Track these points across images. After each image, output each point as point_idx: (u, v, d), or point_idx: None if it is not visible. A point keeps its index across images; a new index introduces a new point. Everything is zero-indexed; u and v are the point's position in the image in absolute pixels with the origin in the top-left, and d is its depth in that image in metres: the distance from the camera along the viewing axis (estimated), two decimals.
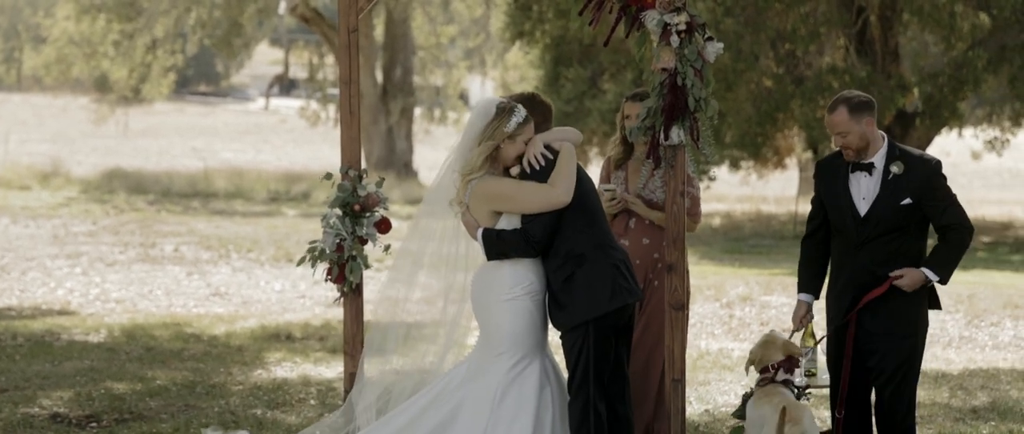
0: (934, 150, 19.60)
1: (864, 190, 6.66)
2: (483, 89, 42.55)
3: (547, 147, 6.35)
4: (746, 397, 6.74)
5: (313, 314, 13.88)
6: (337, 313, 13.06)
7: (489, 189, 6.30)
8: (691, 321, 12.71)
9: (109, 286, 15.69)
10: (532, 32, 25.75)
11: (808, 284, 6.87)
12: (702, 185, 20.57)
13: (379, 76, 35.12)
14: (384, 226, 7.04)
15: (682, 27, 6.39)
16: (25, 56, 41.31)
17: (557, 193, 6.19)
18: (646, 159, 6.86)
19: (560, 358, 6.44)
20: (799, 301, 6.89)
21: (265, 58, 59.21)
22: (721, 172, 28.35)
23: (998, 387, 9.90)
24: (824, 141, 22.99)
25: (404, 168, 34.23)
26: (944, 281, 6.64)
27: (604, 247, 6.27)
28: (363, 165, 7.15)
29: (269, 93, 58.45)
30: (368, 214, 7.01)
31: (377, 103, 34.18)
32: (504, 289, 6.29)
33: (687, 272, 7.07)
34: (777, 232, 25.94)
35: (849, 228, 6.66)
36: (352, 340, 7.09)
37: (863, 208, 6.65)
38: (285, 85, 58.23)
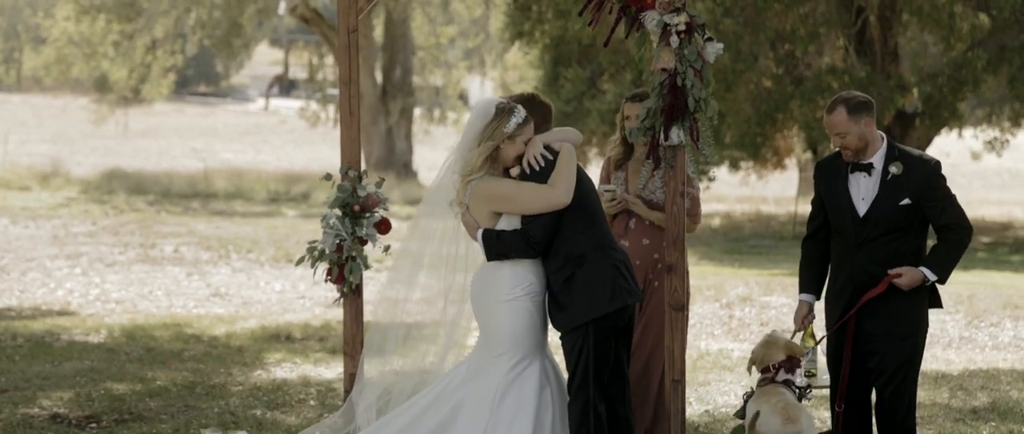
0: (934, 151, 19.60)
1: (863, 190, 6.67)
2: (482, 89, 42.55)
3: (547, 148, 6.35)
4: (747, 397, 6.74)
5: (313, 315, 13.88)
6: (337, 314, 13.06)
7: (489, 190, 6.30)
8: (691, 322, 12.71)
9: (109, 287, 15.69)
10: (531, 32, 25.75)
11: (809, 284, 6.87)
12: (702, 185, 20.58)
13: (379, 76, 35.12)
14: (384, 227, 7.04)
15: (682, 27, 6.39)
16: (25, 56, 41.32)
17: (557, 194, 6.19)
18: (646, 160, 6.86)
19: (560, 359, 6.44)
20: (801, 301, 6.89)
21: (265, 58, 59.22)
22: (721, 173, 28.36)
23: (998, 388, 9.90)
24: (823, 141, 22.99)
25: (404, 169, 34.24)
26: (942, 281, 6.64)
27: (604, 248, 6.27)
28: (363, 166, 7.16)
29: (269, 94, 58.46)
30: (368, 215, 7.01)
31: (377, 103, 34.18)
32: (504, 290, 6.29)
33: (687, 273, 7.07)
34: (777, 232, 25.94)
35: (848, 228, 6.66)
36: (352, 341, 7.09)
37: (862, 208, 6.65)
38: (285, 86, 58.25)
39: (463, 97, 41.85)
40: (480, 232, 6.31)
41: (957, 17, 21.60)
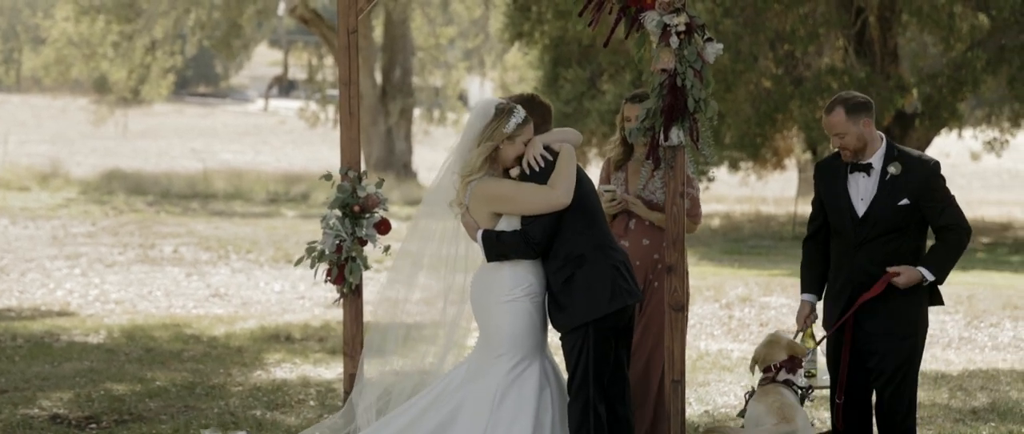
0: (933, 151, 19.60)
1: (862, 191, 6.67)
2: (482, 90, 42.56)
3: (546, 148, 6.35)
4: (748, 396, 6.75)
5: (312, 315, 13.88)
6: (336, 314, 13.06)
7: (489, 190, 6.30)
8: (690, 322, 12.72)
9: (108, 287, 15.69)
10: (531, 33, 25.75)
11: (811, 285, 6.88)
12: (701, 186, 20.60)
13: (378, 77, 35.12)
14: (384, 227, 7.04)
15: (681, 28, 6.39)
16: (24, 57, 41.31)
17: (557, 195, 6.19)
18: (646, 160, 6.86)
19: (560, 359, 6.44)
20: (803, 301, 6.89)
21: (264, 59, 59.22)
22: (720, 173, 28.36)
23: (998, 388, 9.90)
24: (823, 142, 22.99)
25: (403, 169, 34.23)
26: (940, 281, 6.65)
27: (604, 248, 6.27)
28: (362, 166, 7.15)
29: (268, 94, 58.45)
30: (368, 215, 7.01)
31: (376, 104, 34.18)
32: (504, 291, 6.29)
33: (686, 273, 7.06)
34: (776, 233, 25.95)
35: (847, 229, 6.67)
36: (352, 341, 7.09)
37: (861, 209, 6.65)
38: (284, 86, 58.25)
39: (463, 98, 41.85)
40: (480, 233, 6.31)
41: (956, 17, 21.61)
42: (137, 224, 23.36)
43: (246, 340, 12.07)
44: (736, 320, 13.74)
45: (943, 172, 6.71)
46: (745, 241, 24.52)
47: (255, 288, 15.96)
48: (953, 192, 6.78)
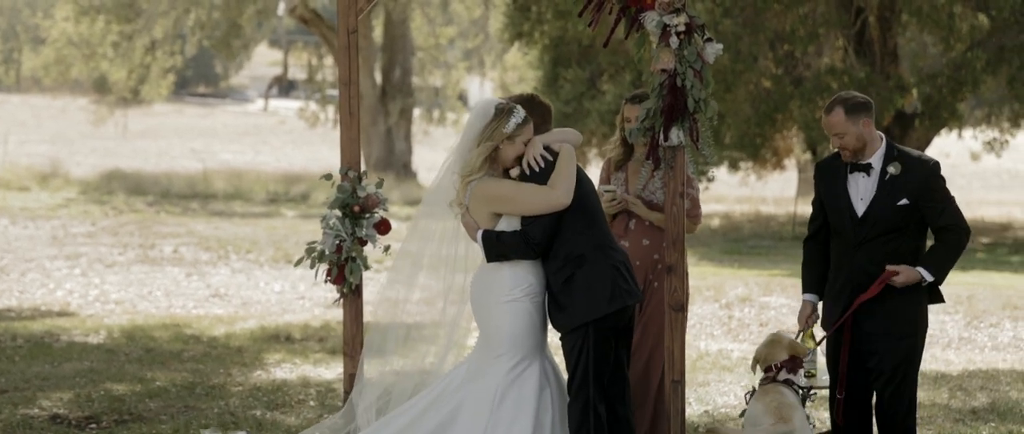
0: (933, 151, 19.61)
1: (862, 191, 6.67)
2: (482, 90, 42.56)
3: (546, 149, 6.35)
4: (749, 396, 6.76)
5: (312, 315, 13.89)
6: (336, 314, 13.07)
7: (489, 191, 6.30)
8: (690, 322, 12.73)
9: (108, 287, 15.69)
10: (531, 33, 25.75)
11: (812, 285, 6.88)
12: (701, 186, 20.59)
13: (378, 77, 35.13)
14: (384, 227, 7.04)
15: (681, 28, 6.39)
16: (24, 57, 41.30)
17: (557, 195, 6.19)
18: (646, 160, 6.86)
19: (560, 359, 6.44)
20: (804, 301, 6.90)
21: (264, 59, 59.21)
22: (720, 173, 28.36)
23: (997, 388, 9.90)
24: (823, 142, 22.99)
25: (403, 169, 34.24)
26: (939, 282, 6.65)
27: (604, 248, 6.27)
28: (362, 166, 7.15)
29: (268, 94, 58.45)
30: (368, 215, 7.01)
31: (376, 104, 34.18)
32: (504, 291, 6.29)
33: (686, 273, 7.07)
34: (776, 233, 25.95)
35: (847, 229, 6.67)
36: (352, 341, 7.09)
37: (861, 209, 6.65)
38: (284, 86, 58.24)
39: (462, 98, 41.85)
40: (480, 233, 6.31)
41: (956, 17, 21.61)
42: (137, 224, 23.36)
43: (246, 340, 12.07)
44: (736, 320, 13.74)
45: (943, 172, 6.71)
46: (745, 241, 24.52)
47: (255, 288, 15.96)
48: (953, 192, 6.78)
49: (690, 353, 10.50)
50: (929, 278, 6.59)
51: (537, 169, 6.28)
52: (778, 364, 6.66)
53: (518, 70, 34.80)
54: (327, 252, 7.00)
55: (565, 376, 6.41)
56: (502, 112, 6.30)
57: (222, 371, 10.36)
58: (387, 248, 6.98)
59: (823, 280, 6.87)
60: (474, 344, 6.54)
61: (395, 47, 35.53)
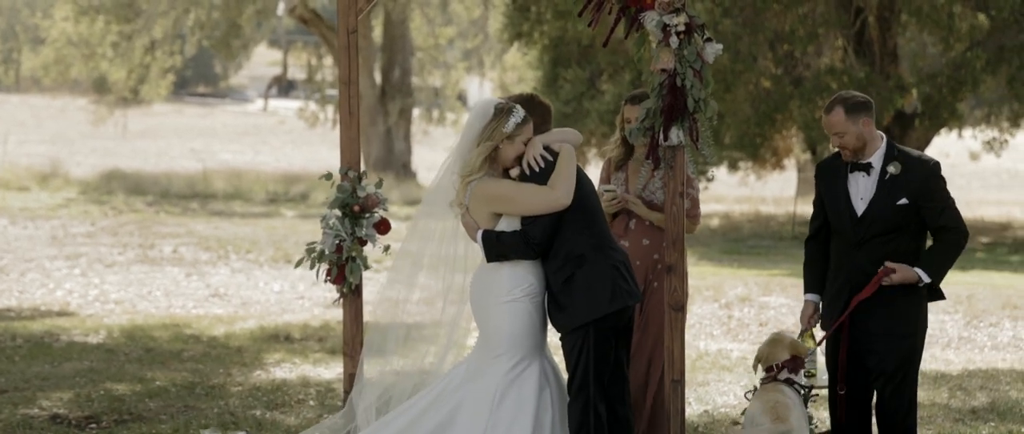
0: (933, 151, 19.60)
1: (862, 190, 6.67)
2: (481, 90, 42.58)
3: (546, 149, 6.35)
4: (750, 395, 6.77)
5: (312, 315, 13.89)
6: (336, 314, 13.06)
7: (489, 191, 6.30)
8: (690, 322, 12.73)
9: (108, 287, 15.69)
10: (530, 33, 25.75)
11: (814, 284, 6.88)
12: (701, 185, 20.58)
13: (378, 77, 35.13)
14: (383, 227, 7.04)
15: (681, 28, 6.39)
16: (24, 57, 41.30)
17: (557, 195, 6.19)
18: (645, 160, 6.86)
19: (560, 359, 6.44)
20: (806, 301, 6.90)
21: (263, 59, 59.19)
22: (719, 173, 28.35)
23: (997, 388, 9.91)
24: (822, 142, 23.00)
25: (402, 169, 34.24)
26: (935, 283, 6.65)
27: (604, 248, 6.27)
28: (362, 166, 7.16)
29: (268, 94, 58.44)
30: (367, 215, 7.01)
31: (375, 104, 34.19)
32: (503, 291, 6.29)
33: (686, 273, 7.07)
34: (776, 233, 25.95)
35: (846, 228, 6.67)
36: (351, 341, 7.09)
37: (860, 208, 6.66)
38: (284, 86, 58.23)
39: (462, 98, 41.87)
40: (480, 233, 6.31)
41: (956, 17, 21.61)
42: (137, 224, 23.36)
43: (246, 340, 12.07)
44: (735, 320, 13.75)
45: (943, 172, 6.71)
46: (744, 241, 24.52)
47: (255, 288, 15.96)
48: (953, 192, 6.78)
49: (690, 353, 10.50)
50: (925, 279, 6.59)
51: (537, 169, 6.28)
52: (779, 364, 6.66)
53: (517, 70, 34.81)
54: (327, 252, 7.00)
55: (565, 376, 6.41)
56: (501, 112, 6.30)
57: (222, 371, 10.36)
58: (387, 248, 6.98)
59: (825, 280, 6.87)
60: (474, 344, 6.54)
61: (395, 47, 35.53)
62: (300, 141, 46.32)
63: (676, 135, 6.46)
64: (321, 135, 42.82)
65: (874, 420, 6.85)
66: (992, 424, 8.57)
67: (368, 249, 7.05)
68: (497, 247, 6.26)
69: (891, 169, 6.62)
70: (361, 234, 6.98)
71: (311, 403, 9.12)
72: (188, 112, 55.64)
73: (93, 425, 8.34)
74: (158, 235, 21.42)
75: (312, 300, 14.97)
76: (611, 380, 6.31)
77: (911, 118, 23.41)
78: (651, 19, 6.43)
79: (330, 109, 37.39)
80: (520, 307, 6.28)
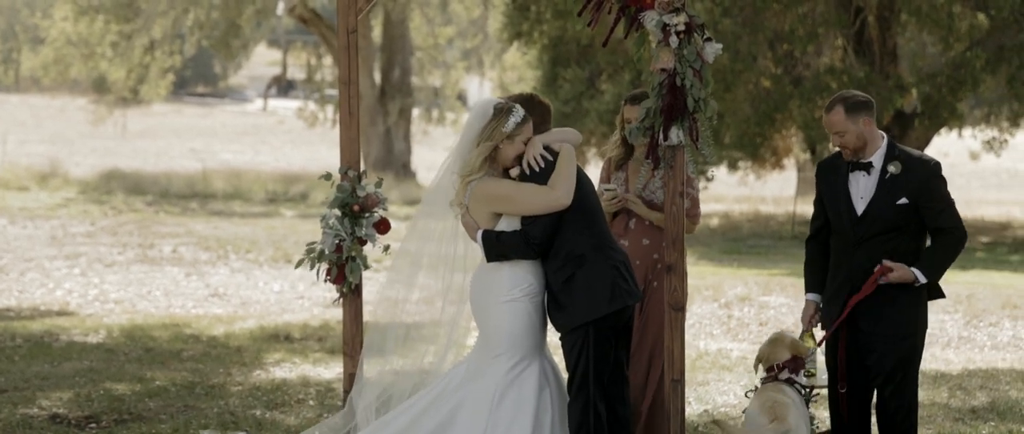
0: (932, 150, 19.61)
1: (862, 189, 6.67)
2: (481, 90, 42.59)
3: (546, 148, 6.34)
4: (751, 395, 6.77)
5: (312, 315, 13.88)
6: (336, 314, 13.06)
7: (489, 191, 6.30)
8: (690, 322, 12.73)
9: (108, 287, 15.69)
10: (530, 33, 25.75)
11: (815, 284, 6.88)
12: (700, 185, 20.56)
13: (377, 77, 35.13)
14: (383, 227, 7.04)
15: (681, 28, 6.38)
16: (23, 57, 41.30)
17: (557, 195, 6.19)
18: (645, 159, 6.86)
19: (559, 359, 6.44)
20: (807, 301, 6.90)
21: (263, 59, 59.20)
22: (719, 173, 28.34)
23: (997, 387, 9.90)
24: (822, 141, 23.00)
25: (402, 169, 34.24)
26: (932, 283, 6.64)
27: (604, 248, 6.27)
28: (361, 166, 7.16)
29: (267, 94, 58.44)
30: (367, 215, 7.01)
31: (375, 104, 34.19)
32: (503, 291, 6.29)
33: (685, 273, 7.06)
34: (775, 232, 25.94)
35: (846, 227, 6.67)
36: (351, 341, 7.09)
37: (860, 207, 6.66)
38: (283, 86, 58.22)
39: (462, 97, 41.87)
40: (480, 233, 6.31)
41: (956, 17, 21.60)
42: (136, 224, 23.35)
43: (245, 340, 12.07)
44: (735, 319, 13.74)
45: (943, 172, 6.70)
46: (744, 241, 24.52)
47: (254, 288, 15.96)
48: (952, 191, 6.78)
49: (689, 352, 10.50)
50: (922, 279, 6.59)
51: (537, 169, 6.28)
52: (780, 364, 6.66)
53: (517, 70, 34.81)
54: (327, 251, 6.99)
55: (565, 376, 6.40)
56: (501, 112, 6.29)
57: (221, 371, 10.36)
58: (387, 248, 6.98)
59: (825, 279, 6.86)
60: (473, 344, 6.54)
61: (394, 47, 35.53)
62: (299, 141, 46.32)
63: (676, 135, 6.45)
64: (321, 135, 42.81)
65: (874, 420, 6.85)
66: (992, 424, 8.57)
67: (368, 249, 7.05)
68: (497, 247, 6.26)
69: (891, 169, 6.62)
70: (361, 234, 6.98)
71: (311, 403, 9.12)
72: (187, 112, 55.64)
73: (93, 425, 8.34)
74: (158, 235, 21.42)
75: (312, 300, 14.97)
76: (611, 380, 6.31)
77: (911, 118, 23.41)
78: (651, 19, 6.42)
79: (329, 109, 37.38)
80: (520, 307, 6.28)
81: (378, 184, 7.07)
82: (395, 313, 6.80)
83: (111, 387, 9.49)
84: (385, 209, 7.08)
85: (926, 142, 23.55)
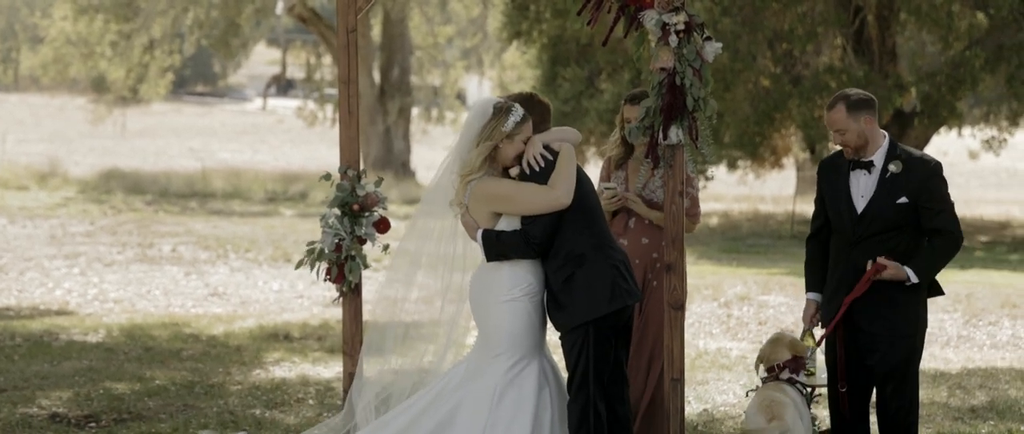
0: (932, 150, 19.59)
1: (863, 188, 6.67)
2: (480, 89, 42.59)
3: (546, 148, 6.34)
4: (751, 394, 6.78)
5: (311, 314, 13.88)
6: (335, 313, 13.06)
7: (488, 190, 6.29)
8: (689, 321, 12.73)
9: (107, 286, 15.69)
10: (529, 32, 25.74)
11: (815, 283, 6.88)
12: (700, 184, 20.56)
13: (377, 76, 35.13)
14: (383, 226, 7.04)
15: (681, 27, 6.38)
16: (22, 56, 41.32)
17: (557, 195, 6.19)
18: (645, 159, 6.86)
19: (559, 359, 6.44)
20: (808, 300, 6.90)
21: (262, 58, 59.19)
22: (719, 172, 28.32)
23: (996, 386, 9.91)
24: (822, 141, 23.00)
25: (401, 168, 34.25)
26: (922, 284, 6.64)
27: (604, 248, 6.27)
28: (361, 165, 7.16)
29: (266, 93, 58.45)
30: (367, 214, 7.01)
31: (375, 103, 34.19)
32: (503, 291, 6.29)
33: (685, 272, 7.06)
34: (775, 232, 25.94)
35: (846, 226, 6.67)
36: (351, 340, 7.09)
37: (860, 206, 6.66)
38: (282, 85, 58.23)
39: (461, 97, 41.88)
40: (480, 232, 6.31)
41: (955, 16, 21.60)
42: (135, 223, 23.35)
43: (245, 339, 12.07)
44: (735, 319, 13.74)
45: (944, 174, 6.69)
46: (743, 240, 24.52)
47: (254, 287, 15.96)
48: (952, 191, 6.77)
49: (689, 352, 10.50)
50: (913, 279, 6.58)
51: (537, 168, 6.28)
52: (780, 363, 6.66)
53: (517, 69, 34.81)
54: (326, 251, 6.99)
55: (564, 375, 6.41)
56: (501, 111, 6.29)
57: (221, 370, 10.36)
58: (386, 247, 6.97)
59: (826, 278, 6.86)
60: (473, 343, 6.54)
61: (394, 46, 35.53)
62: (299, 140, 46.32)
63: (675, 134, 6.45)
64: (320, 134, 42.81)
65: (873, 418, 6.85)
66: (991, 422, 8.58)
67: (367, 248, 7.05)
68: (497, 246, 6.26)
69: (892, 167, 6.62)
70: (360, 233, 6.98)
71: (310, 402, 9.12)
72: (187, 111, 55.64)
73: (92, 424, 8.34)
74: (157, 234, 21.42)
75: (311, 299, 14.97)
76: (610, 379, 6.31)
77: (910, 117, 23.41)
78: (650, 18, 6.42)
79: (329, 108, 37.38)
80: (519, 306, 6.28)
81: (377, 183, 7.07)
82: (394, 312, 6.80)
83: (111, 386, 9.49)
84: (384, 208, 7.08)
85: (925, 141, 23.55)
